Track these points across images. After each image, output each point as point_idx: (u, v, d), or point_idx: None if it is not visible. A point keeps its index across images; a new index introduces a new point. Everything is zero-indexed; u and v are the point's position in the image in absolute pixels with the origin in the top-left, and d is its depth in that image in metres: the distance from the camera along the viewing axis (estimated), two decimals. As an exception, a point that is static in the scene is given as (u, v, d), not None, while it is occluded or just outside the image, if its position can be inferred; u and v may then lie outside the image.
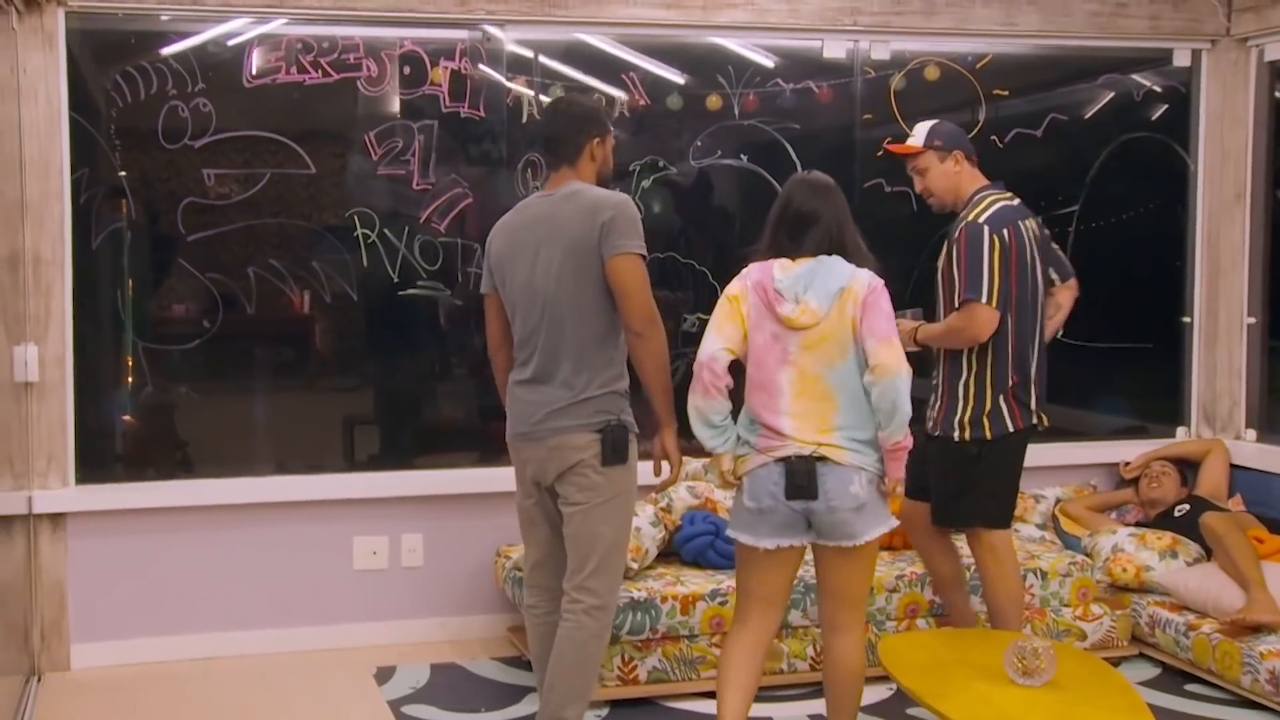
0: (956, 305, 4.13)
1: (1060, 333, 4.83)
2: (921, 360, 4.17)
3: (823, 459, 3.52)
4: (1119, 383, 6.07)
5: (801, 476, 3.52)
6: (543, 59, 5.20)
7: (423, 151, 5.09)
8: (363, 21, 4.96)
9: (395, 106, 5.06)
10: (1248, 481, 5.60)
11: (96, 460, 4.86)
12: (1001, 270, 4.12)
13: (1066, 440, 5.92)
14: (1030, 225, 4.33)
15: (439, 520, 5.14)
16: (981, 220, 4.16)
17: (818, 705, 4.19)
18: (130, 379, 4.93)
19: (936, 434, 4.30)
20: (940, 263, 4.35)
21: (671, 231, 5.47)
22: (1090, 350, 5.92)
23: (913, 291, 5.65)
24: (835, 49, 5.50)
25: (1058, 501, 5.66)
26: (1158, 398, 6.07)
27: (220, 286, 4.95)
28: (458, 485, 5.14)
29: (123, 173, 4.84)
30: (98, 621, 4.83)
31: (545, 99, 5.14)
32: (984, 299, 4.08)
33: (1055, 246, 4.62)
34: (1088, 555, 5.15)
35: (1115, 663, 4.83)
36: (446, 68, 5.09)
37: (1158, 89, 5.91)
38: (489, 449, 5.26)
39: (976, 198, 4.27)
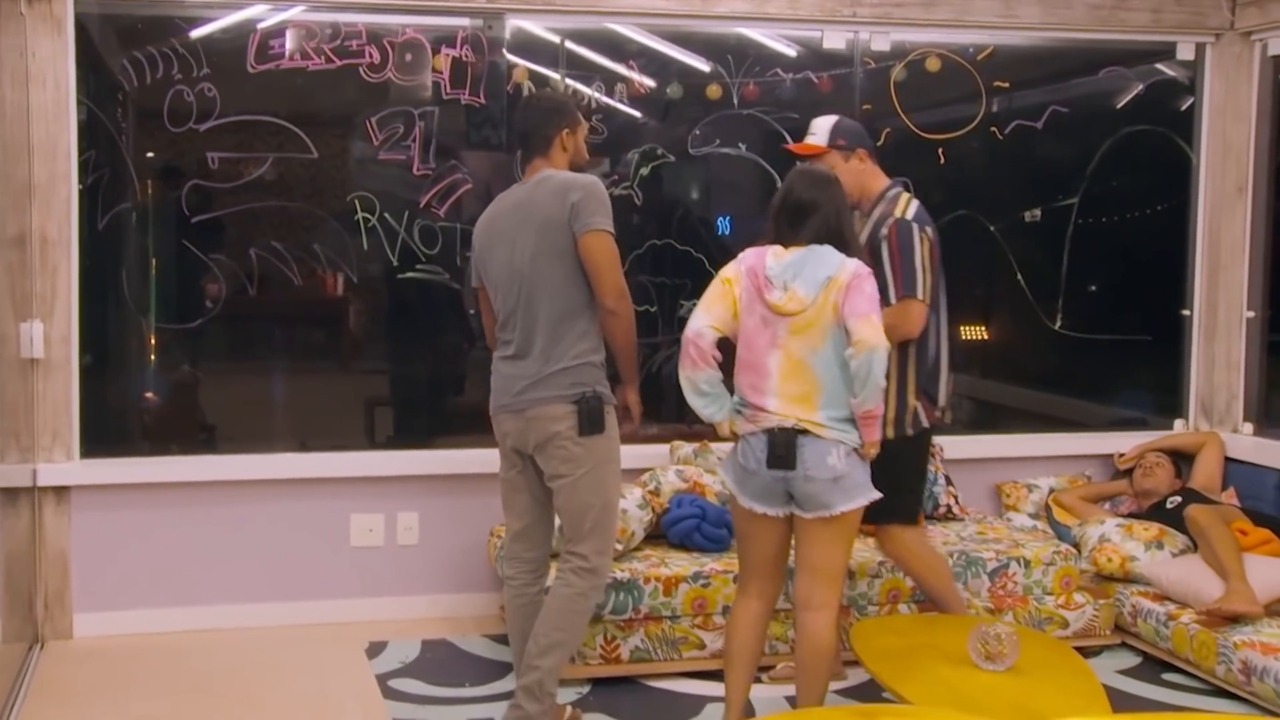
0: (892, 302, 4.13)
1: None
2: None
3: (804, 432, 3.66)
4: (1118, 375, 6.12)
5: (781, 447, 3.67)
6: (544, 42, 5.30)
7: (423, 137, 5.20)
8: (365, 9, 5.08)
9: (396, 93, 5.16)
10: (1243, 475, 5.64)
11: (100, 435, 5.00)
12: (929, 267, 4.17)
13: (1064, 431, 6.01)
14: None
15: (435, 499, 5.26)
16: (910, 217, 4.19)
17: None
18: (134, 357, 5.08)
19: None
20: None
21: (669, 219, 5.56)
22: (1089, 342, 5.99)
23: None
24: (835, 40, 5.57)
25: (1051, 491, 5.73)
26: (1156, 390, 6.12)
27: (223, 267, 5.08)
28: (454, 465, 5.25)
29: (129, 155, 4.97)
30: (100, 592, 4.98)
31: (549, 88, 5.25)
32: (919, 295, 4.14)
33: None
34: (1077, 545, 5.21)
35: (1097, 651, 4.91)
36: (448, 55, 5.20)
37: (1160, 82, 5.94)
38: (485, 430, 5.36)
39: (890, 194, 4.29)
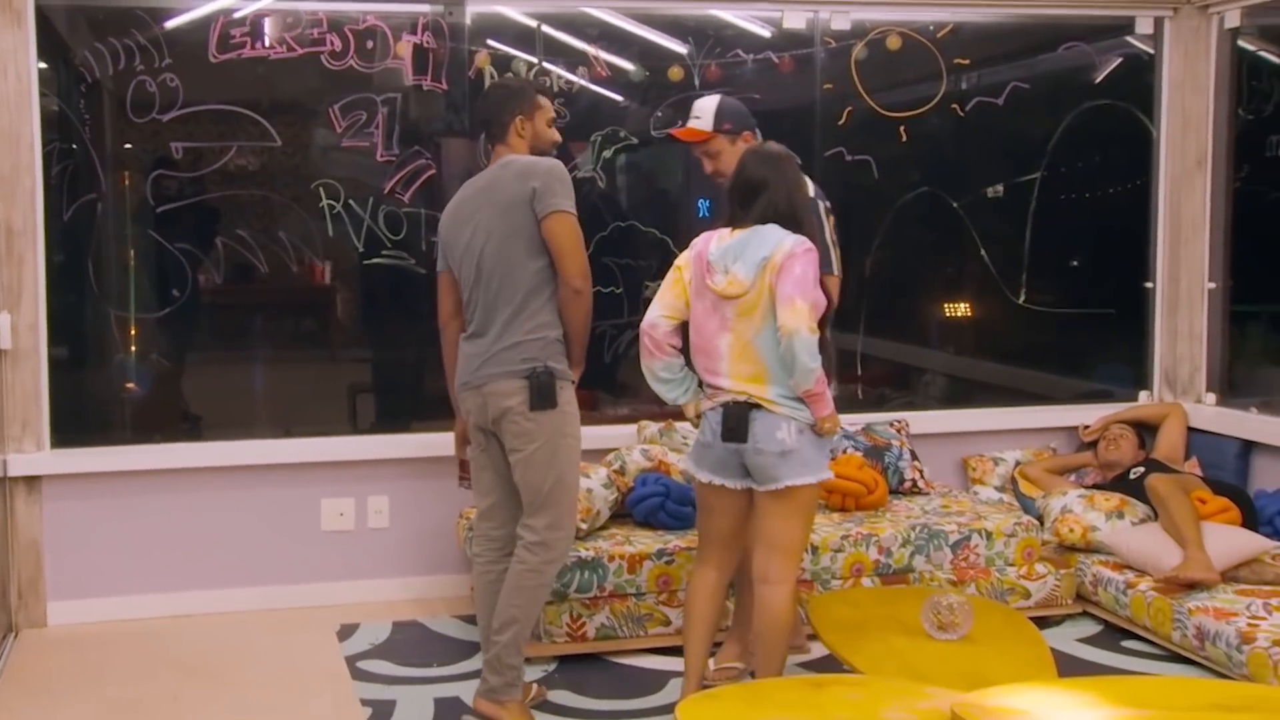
0: None
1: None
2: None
3: (757, 406, 3.73)
4: (1082, 348, 6.20)
5: (733, 420, 3.75)
6: (509, 24, 5.35)
7: (386, 124, 5.24)
8: (325, -4, 5.13)
9: (358, 80, 5.21)
10: (1205, 445, 5.72)
11: (69, 425, 5.05)
12: (836, 241, 4.22)
13: (1029, 404, 6.07)
14: None
15: (404, 483, 5.32)
16: (813, 195, 4.21)
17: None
18: (102, 347, 5.13)
19: None
20: None
21: (633, 201, 5.62)
22: (1054, 316, 6.06)
23: (875, 259, 5.82)
24: (795, 19, 5.61)
25: (1017, 464, 5.80)
26: (1121, 362, 6.18)
27: (189, 256, 5.13)
28: (423, 449, 5.30)
29: (93, 146, 5.02)
30: (73, 580, 5.04)
31: (510, 73, 5.30)
32: (835, 271, 4.18)
33: None
34: (1040, 516, 5.28)
35: (1059, 621, 4.98)
36: (409, 41, 5.24)
37: (1120, 57, 6.00)
38: (451, 414, 5.43)
39: None
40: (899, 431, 5.64)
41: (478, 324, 3.96)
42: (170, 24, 5.02)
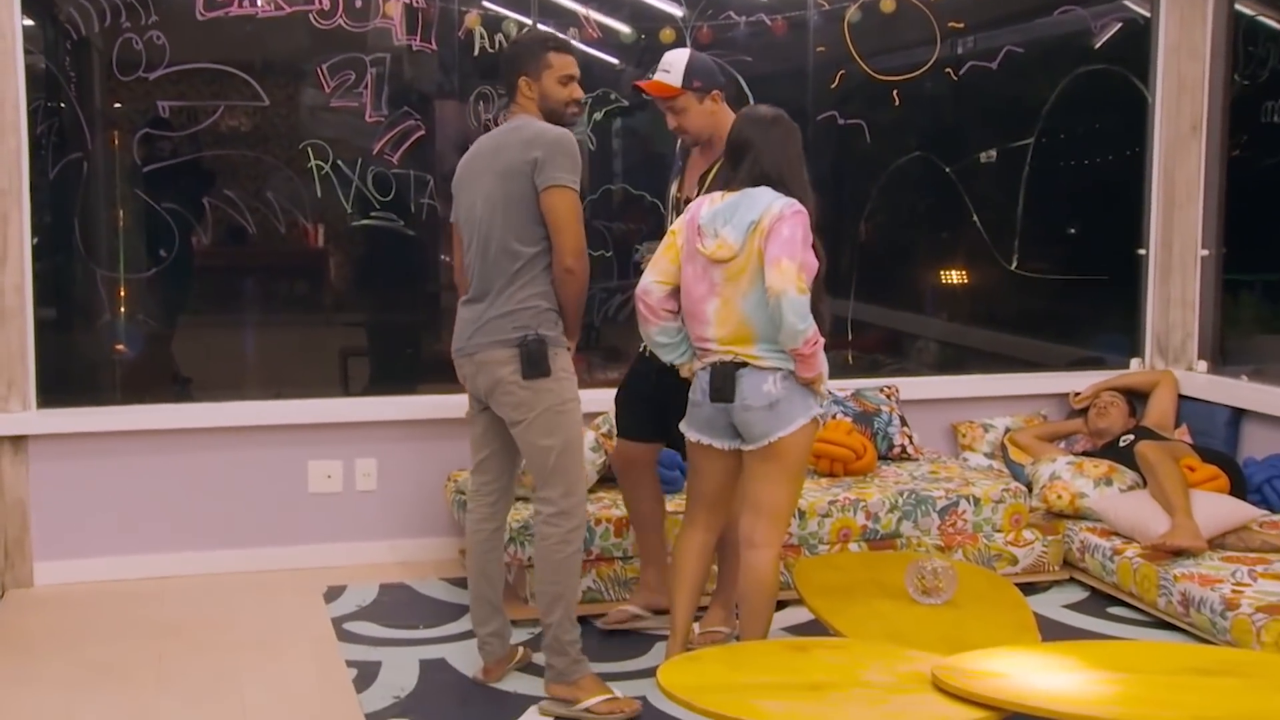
0: None
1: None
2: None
3: (743, 364, 3.74)
4: (1075, 314, 6.21)
5: (720, 379, 3.76)
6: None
7: (375, 84, 5.23)
8: (313, -45, 5.11)
9: (347, 39, 5.18)
10: (1195, 412, 5.73)
11: (56, 386, 5.06)
12: None
13: (1020, 371, 6.09)
14: None
15: (392, 445, 5.33)
16: None
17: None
18: (88, 307, 5.12)
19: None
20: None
21: (625, 164, 5.61)
22: (1046, 282, 6.07)
23: (867, 225, 5.81)
24: (788, -19, 5.61)
25: (1007, 431, 5.81)
26: (1113, 329, 6.20)
27: (176, 216, 5.13)
28: (411, 411, 5.32)
29: (79, 105, 5.00)
30: (60, 540, 5.06)
31: (501, 33, 5.29)
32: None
33: None
34: (1029, 482, 5.30)
35: (1046, 587, 5.00)
36: (399, 1, 5.22)
37: (1116, 21, 5.97)
38: (441, 376, 5.44)
39: None
40: (889, 397, 5.65)
41: (475, 289, 3.93)
42: (157, -19, 5.01)
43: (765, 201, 3.73)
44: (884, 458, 5.49)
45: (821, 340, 3.72)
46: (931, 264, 6.11)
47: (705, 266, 3.79)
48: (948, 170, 5.86)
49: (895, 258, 6.06)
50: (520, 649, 4.27)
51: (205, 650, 4.40)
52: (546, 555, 3.89)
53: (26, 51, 4.87)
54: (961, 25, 5.79)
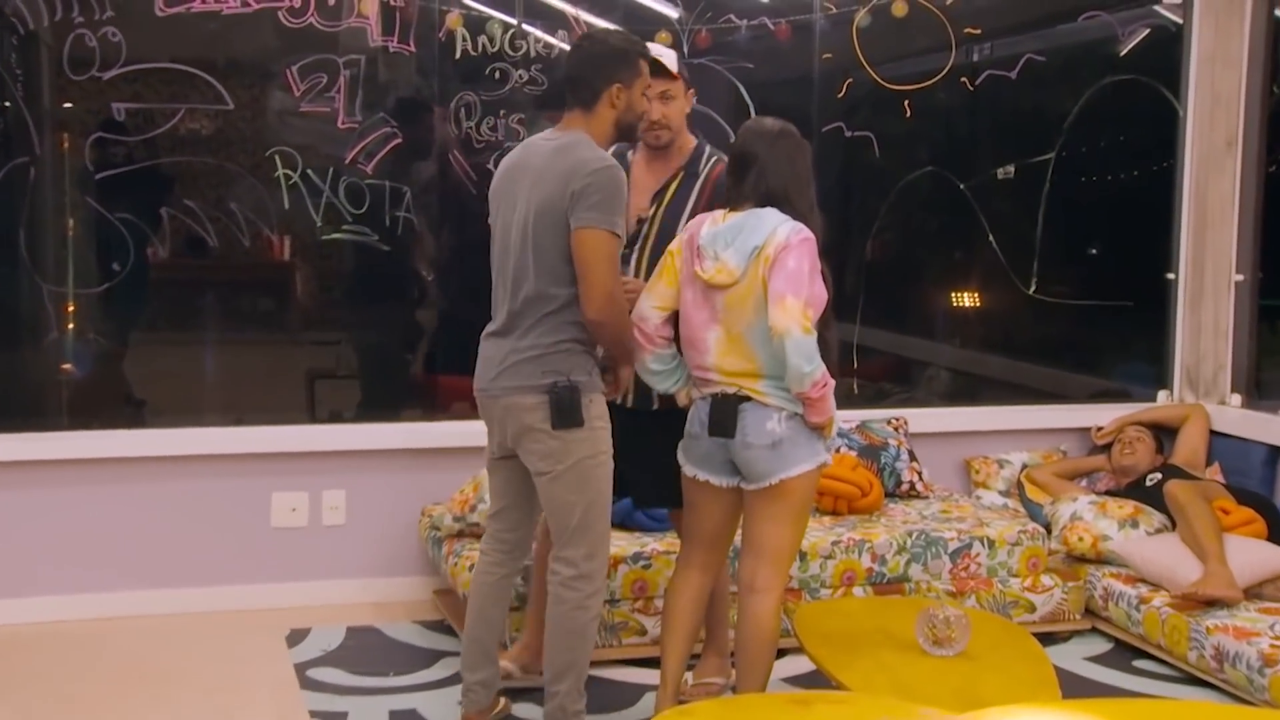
0: None
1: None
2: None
3: (747, 398, 3.69)
4: (1098, 343, 6.19)
5: (720, 413, 3.71)
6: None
7: (348, 88, 5.16)
8: (283, -52, 5.05)
9: (319, 39, 5.11)
10: (1228, 450, 5.66)
11: (-1, 408, 4.99)
12: None
13: (1038, 403, 6.04)
14: None
15: (363, 476, 5.25)
16: None
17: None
18: (35, 324, 5.04)
19: (655, 408, 4.10)
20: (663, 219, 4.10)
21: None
22: (1067, 308, 6.03)
23: (875, 244, 5.76)
24: (794, -17, 5.57)
25: (1024, 467, 5.74)
26: (1139, 359, 6.16)
27: (130, 227, 5.04)
28: (383, 440, 5.25)
29: (26, 105, 4.92)
30: (3, 578, 4.95)
31: (484, 35, 5.24)
32: None
33: None
34: (1048, 524, 5.23)
35: (1066, 637, 4.93)
36: (375, -1, 5.18)
37: (1145, 28, 5.93)
38: (417, 402, 5.40)
39: (709, 151, 4.17)
40: (897, 430, 5.58)
41: (502, 322, 3.77)
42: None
43: (771, 226, 3.67)
44: (891, 495, 5.42)
45: (831, 383, 3.65)
46: (943, 287, 6.05)
47: (705, 292, 3.74)
48: (962, 187, 5.81)
49: (905, 280, 6.00)
50: (502, 699, 4.17)
51: (160, 698, 4.31)
52: (561, 621, 3.76)
53: (-29, 48, 4.82)
54: (978, 31, 5.74)
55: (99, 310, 5.11)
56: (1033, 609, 4.91)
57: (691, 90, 4.18)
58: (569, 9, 5.36)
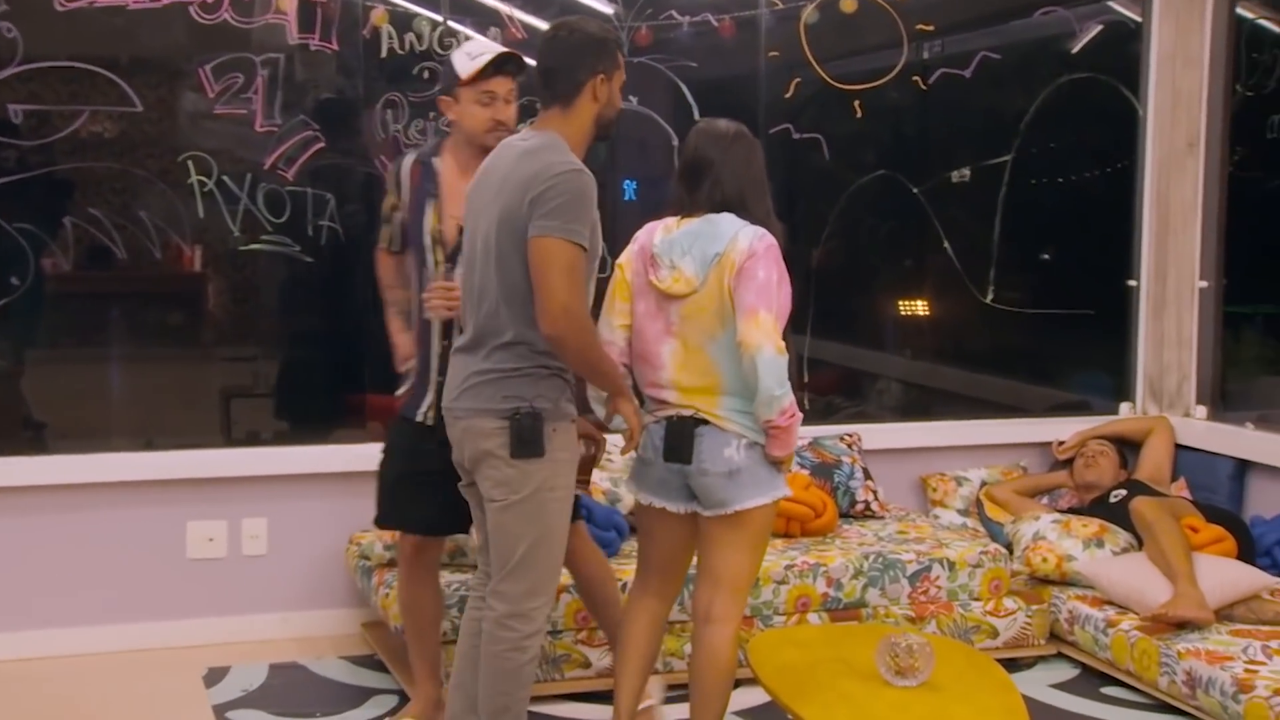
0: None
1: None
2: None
3: (704, 421, 3.69)
4: (1057, 353, 6.24)
5: (676, 438, 3.71)
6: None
7: (267, 88, 5.12)
8: (195, -62, 5.01)
9: (234, 37, 5.07)
10: (1194, 464, 5.74)
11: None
12: None
13: (996, 417, 6.09)
14: None
15: (285, 503, 5.22)
16: None
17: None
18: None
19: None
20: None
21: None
22: (1025, 316, 6.08)
23: (824, 251, 5.78)
24: (738, -22, 5.59)
25: (983, 485, 5.79)
26: (1100, 370, 6.23)
27: (29, 237, 4.97)
28: (307, 463, 5.21)
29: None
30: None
31: (411, 32, 5.22)
32: None
33: None
34: (1009, 544, 5.27)
35: (1031, 663, 4.97)
36: (293, -7, 5.15)
37: (1102, 24, 6.01)
38: (342, 421, 5.36)
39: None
40: (850, 447, 5.61)
41: (468, 339, 3.73)
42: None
43: (731, 231, 3.67)
44: (846, 516, 5.45)
45: (799, 415, 3.66)
46: (896, 296, 6.09)
47: (659, 303, 3.74)
48: (915, 190, 5.85)
49: (855, 289, 6.03)
50: None
51: (63, 745, 4.26)
52: (497, 662, 3.71)
53: None
54: (931, 27, 5.79)
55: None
56: (995, 634, 4.95)
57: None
58: (500, 6, 5.35)
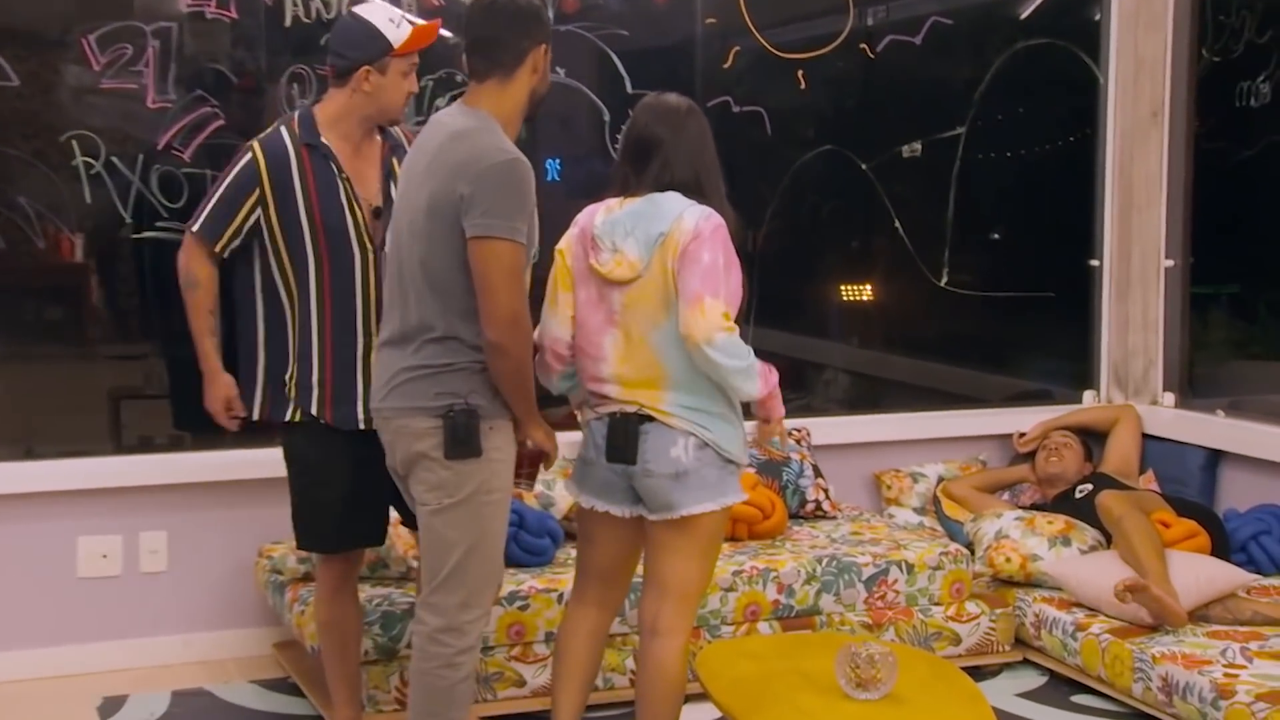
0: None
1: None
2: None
3: (649, 418, 3.68)
4: (1017, 339, 6.29)
5: (620, 437, 3.70)
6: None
7: (159, 61, 5.04)
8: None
9: (120, 4, 5.00)
10: (1162, 454, 5.79)
11: None
12: None
13: (953, 408, 6.13)
14: None
15: (186, 514, 5.17)
16: None
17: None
18: None
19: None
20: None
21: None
22: (982, 301, 6.13)
23: (766, 233, 5.76)
24: (671, -60, 5.58)
25: (940, 481, 5.82)
26: (1062, 357, 6.29)
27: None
28: (210, 470, 5.15)
29: None
30: None
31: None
32: None
33: None
34: (970, 544, 5.28)
35: (995, 671, 4.99)
36: (188, -44, 5.08)
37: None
38: (249, 426, 5.25)
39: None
40: (799, 443, 5.60)
41: (394, 331, 3.70)
42: None
43: (675, 211, 3.66)
44: (795, 516, 5.46)
45: (773, 371, 3.70)
46: (844, 280, 6.09)
47: (601, 290, 3.72)
48: (864, 167, 5.87)
49: (800, 273, 6.03)
50: None
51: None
52: (425, 680, 3.71)
53: None
54: (879, -10, 5.81)
55: None
56: (958, 640, 4.96)
57: None
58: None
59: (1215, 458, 5.69)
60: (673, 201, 3.68)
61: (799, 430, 5.67)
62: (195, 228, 4.04)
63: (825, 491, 5.54)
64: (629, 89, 5.44)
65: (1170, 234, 5.98)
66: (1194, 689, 4.28)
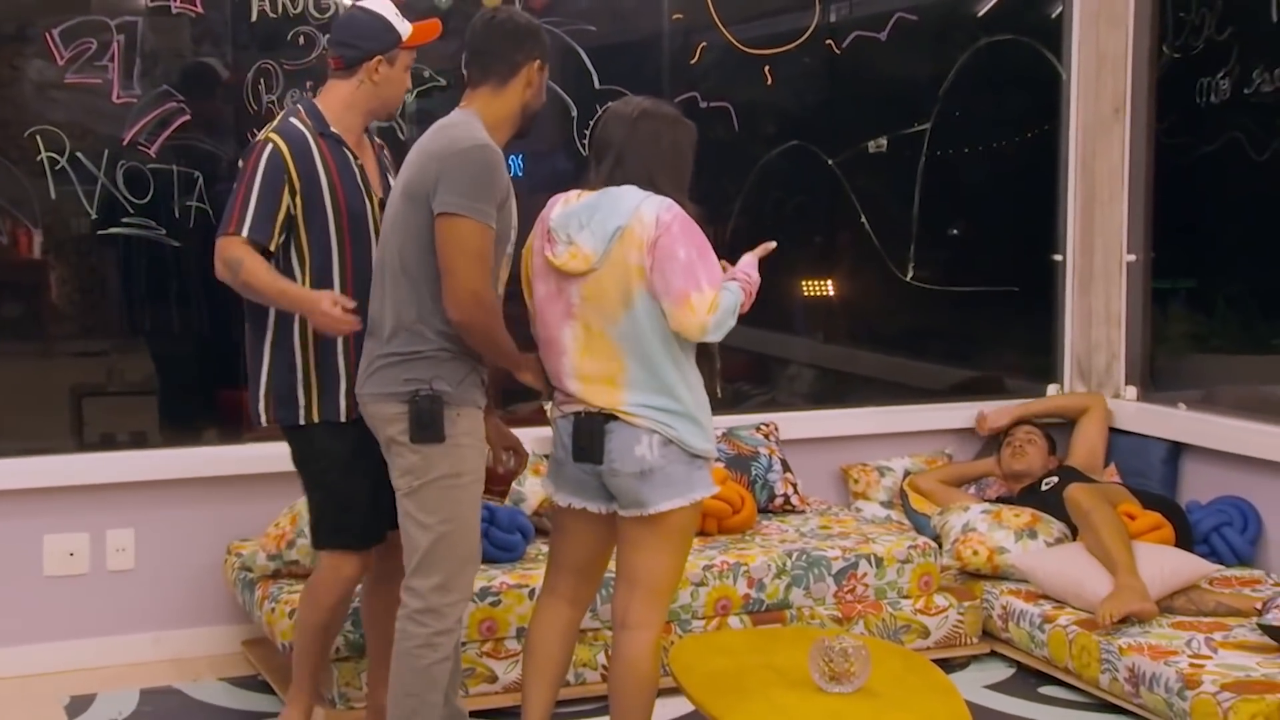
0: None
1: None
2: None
3: (613, 417, 3.70)
4: (979, 333, 6.34)
5: (585, 437, 3.73)
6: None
7: (124, 55, 5.04)
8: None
9: (85, -3, 5.00)
10: (1125, 447, 5.84)
11: None
12: None
13: (919, 402, 6.16)
14: None
15: (154, 511, 5.15)
16: None
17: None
18: None
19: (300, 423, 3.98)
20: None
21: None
22: (947, 295, 6.15)
23: (733, 232, 5.77)
24: (639, -64, 5.59)
25: (906, 474, 5.85)
26: (1026, 350, 6.31)
27: None
28: (177, 467, 5.14)
29: None
30: None
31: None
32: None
33: None
34: (938, 537, 5.32)
35: (964, 663, 5.03)
36: (152, -52, 5.07)
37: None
38: (215, 419, 5.30)
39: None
40: (767, 437, 5.63)
41: (373, 318, 3.81)
42: None
43: (632, 203, 3.68)
44: (764, 511, 5.48)
45: (740, 294, 3.77)
46: (810, 274, 6.11)
47: (559, 283, 3.74)
48: (830, 162, 5.89)
49: (767, 267, 5.94)
50: None
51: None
52: (406, 659, 3.78)
53: None
54: (842, -14, 5.84)
55: None
56: (927, 633, 5.00)
57: None
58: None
59: (1177, 450, 5.75)
60: (628, 194, 3.70)
61: (767, 425, 5.70)
62: (245, 233, 3.82)
63: (794, 486, 5.56)
64: (596, 85, 5.47)
65: (1132, 229, 6.02)
66: (1160, 679, 4.33)
